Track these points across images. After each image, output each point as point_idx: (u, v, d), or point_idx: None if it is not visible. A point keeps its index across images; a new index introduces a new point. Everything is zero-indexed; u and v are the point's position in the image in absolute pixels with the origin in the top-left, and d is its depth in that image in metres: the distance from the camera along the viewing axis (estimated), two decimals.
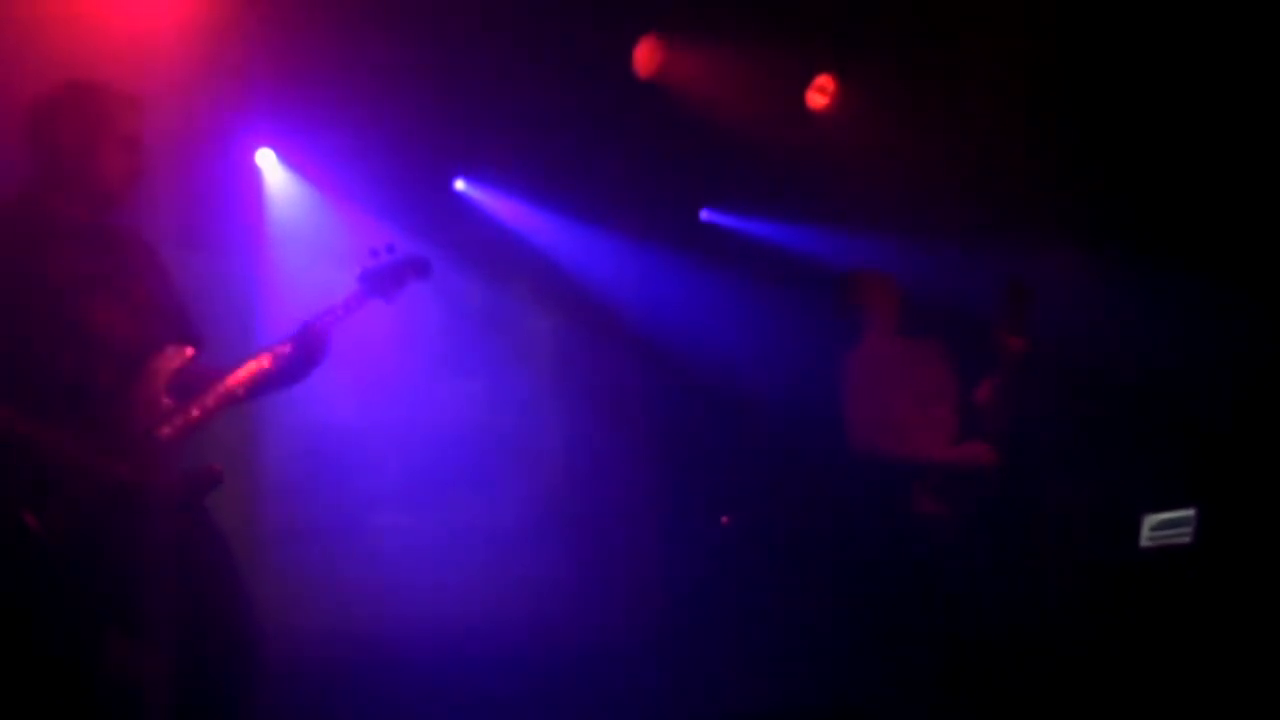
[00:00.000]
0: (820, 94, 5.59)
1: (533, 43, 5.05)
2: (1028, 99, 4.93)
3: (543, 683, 4.78)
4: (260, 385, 2.85)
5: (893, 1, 4.83)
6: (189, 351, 2.83)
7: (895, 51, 5.12)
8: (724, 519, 6.04)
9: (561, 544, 6.18)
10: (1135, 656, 4.28)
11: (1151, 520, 4.32)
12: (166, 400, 2.73)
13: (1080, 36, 4.69)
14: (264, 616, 2.88)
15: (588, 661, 5.14)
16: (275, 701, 3.04)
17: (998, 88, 4.95)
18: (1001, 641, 4.20)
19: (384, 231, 5.44)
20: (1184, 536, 4.24)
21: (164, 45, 4.32)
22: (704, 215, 6.33)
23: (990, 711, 4.14)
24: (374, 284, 3.11)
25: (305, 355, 2.92)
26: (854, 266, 4.92)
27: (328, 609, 5.36)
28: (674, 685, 4.94)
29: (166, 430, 2.69)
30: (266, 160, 5.46)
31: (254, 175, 5.46)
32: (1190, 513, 4.25)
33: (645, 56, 5.28)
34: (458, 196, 5.98)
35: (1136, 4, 4.52)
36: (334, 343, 2.97)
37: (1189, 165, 4.77)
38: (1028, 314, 4.11)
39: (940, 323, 5.03)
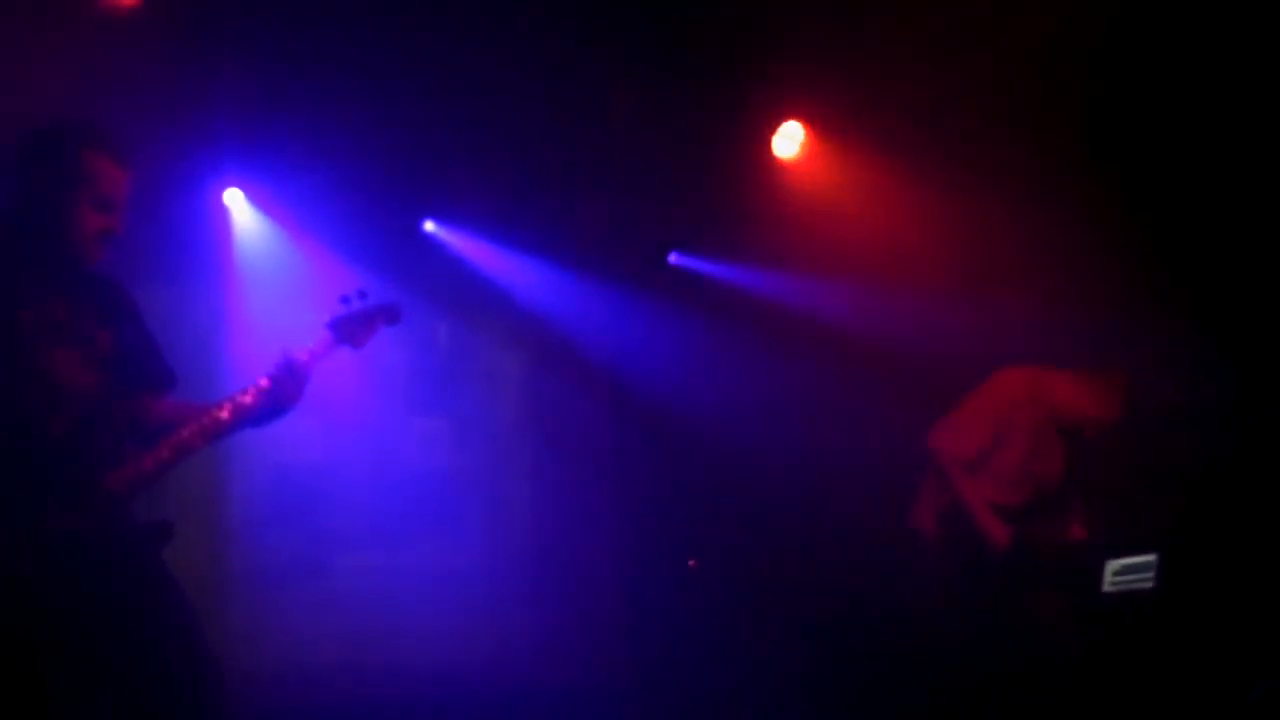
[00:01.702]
0: (788, 141, 5.66)
1: (503, 86, 5.09)
2: (997, 148, 4.99)
3: None
4: (219, 435, 2.80)
5: (863, 51, 4.89)
6: (148, 401, 2.80)
7: (865, 101, 5.19)
8: (691, 562, 6.02)
9: (527, 584, 6.15)
10: (1099, 700, 4.29)
11: (1114, 565, 4.35)
12: (121, 451, 2.70)
13: (1047, 87, 4.77)
14: (223, 662, 2.81)
15: (553, 703, 5.10)
16: None
17: (967, 139, 5.01)
18: (969, 678, 4.20)
19: (352, 272, 5.46)
20: (1146, 582, 4.27)
21: (132, 81, 4.33)
22: (672, 258, 6.37)
23: None
24: (343, 331, 3.04)
25: (270, 408, 2.86)
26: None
27: (293, 648, 5.30)
28: None
29: (118, 481, 2.66)
30: (234, 200, 5.45)
31: (222, 214, 5.44)
32: (1152, 558, 4.28)
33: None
34: (427, 238, 5.99)
35: (1100, 48, 4.60)
36: (305, 394, 2.90)
37: (1142, 215, 4.86)
38: None
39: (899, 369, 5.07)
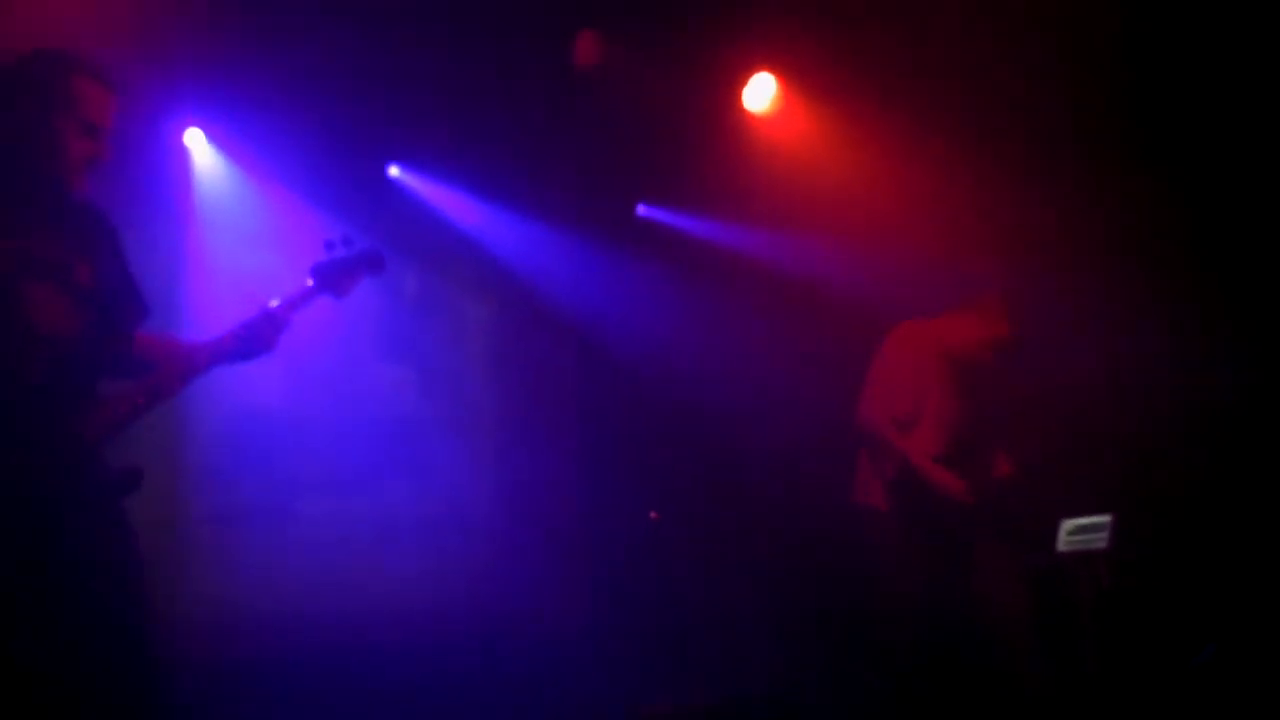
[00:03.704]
0: (760, 94, 5.61)
1: (470, 30, 5.01)
2: (973, 106, 4.98)
3: (475, 667, 4.77)
4: (193, 378, 2.77)
5: (836, 2, 4.85)
6: (129, 333, 2.76)
7: (837, 54, 5.15)
8: (653, 514, 6.05)
9: (493, 533, 6.16)
10: (1051, 660, 4.37)
11: (1068, 525, 4.41)
12: (95, 393, 2.66)
13: (1020, 44, 4.74)
14: (168, 615, 2.79)
15: (518, 647, 5.14)
16: (199, 689, 2.99)
17: (942, 95, 4.99)
18: (928, 641, 4.26)
19: (315, 215, 5.38)
20: (1100, 542, 4.33)
21: (88, 18, 4.22)
22: (640, 210, 6.34)
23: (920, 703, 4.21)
24: (326, 279, 2.97)
25: (243, 353, 2.83)
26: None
27: (256, 592, 5.28)
28: (609, 674, 4.95)
29: (93, 428, 2.61)
30: (195, 140, 5.34)
31: (182, 155, 5.34)
32: (1106, 518, 4.34)
33: (586, 46, 5.26)
34: (391, 182, 5.91)
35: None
36: (281, 342, 2.86)
37: (1121, 181, 4.87)
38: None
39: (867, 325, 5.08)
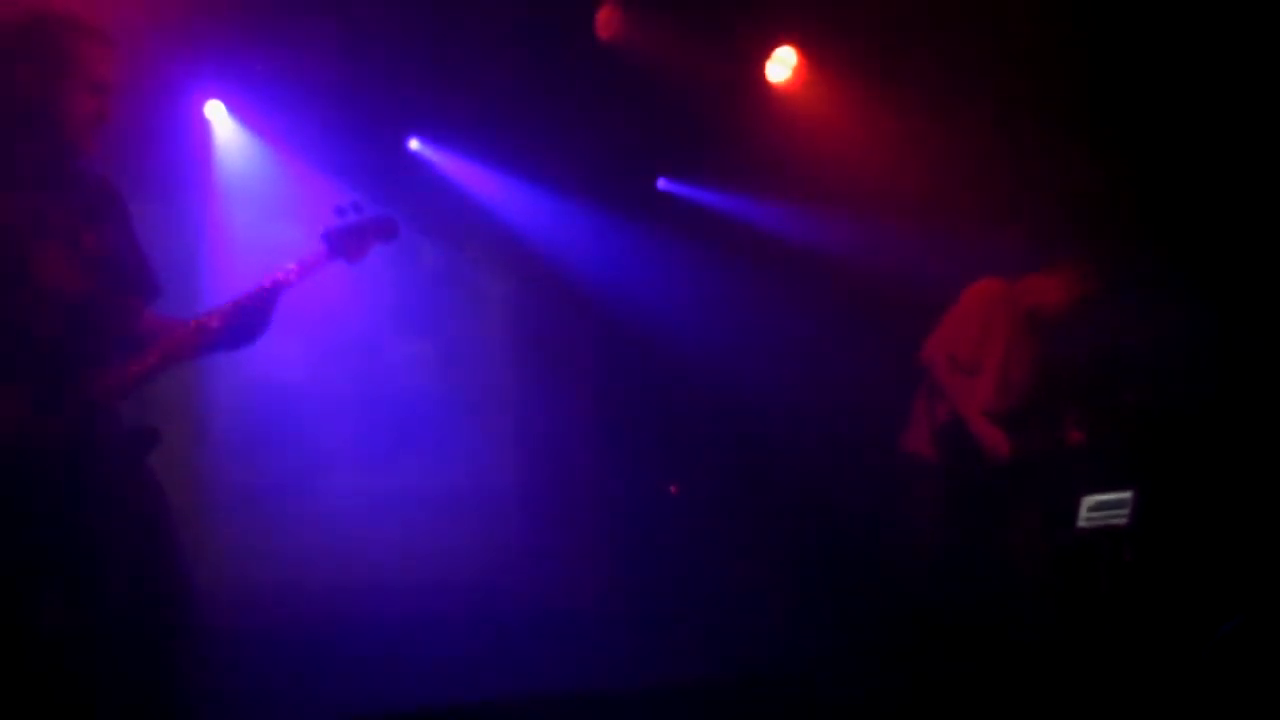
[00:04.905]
0: (781, 67, 5.58)
1: (492, 4, 4.99)
2: (995, 77, 4.94)
3: (492, 642, 4.79)
4: (205, 345, 2.74)
5: None
6: (137, 306, 2.76)
7: (859, 26, 5.11)
8: (672, 488, 6.07)
9: (513, 506, 6.19)
10: (1071, 635, 4.37)
11: (1089, 501, 4.39)
12: (108, 356, 2.66)
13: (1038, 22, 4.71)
14: (197, 573, 2.81)
15: (536, 620, 5.16)
16: (218, 656, 3.01)
17: (964, 67, 4.95)
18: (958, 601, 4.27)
19: (335, 187, 5.38)
20: (1121, 518, 4.31)
21: None
22: (660, 184, 6.31)
23: (933, 678, 4.21)
24: (337, 244, 2.92)
25: (256, 318, 2.79)
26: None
27: (277, 567, 5.32)
28: (627, 648, 4.96)
29: (105, 386, 2.62)
30: (216, 112, 5.35)
31: (203, 127, 5.35)
32: (1128, 494, 4.32)
33: (606, 19, 5.24)
34: (411, 155, 5.90)
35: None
36: (283, 305, 2.82)
37: (1143, 151, 4.83)
38: None
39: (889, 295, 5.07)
